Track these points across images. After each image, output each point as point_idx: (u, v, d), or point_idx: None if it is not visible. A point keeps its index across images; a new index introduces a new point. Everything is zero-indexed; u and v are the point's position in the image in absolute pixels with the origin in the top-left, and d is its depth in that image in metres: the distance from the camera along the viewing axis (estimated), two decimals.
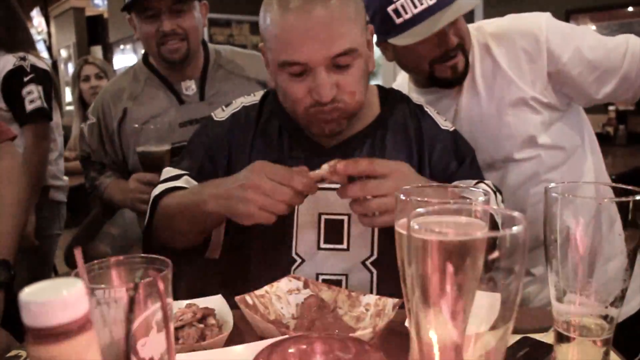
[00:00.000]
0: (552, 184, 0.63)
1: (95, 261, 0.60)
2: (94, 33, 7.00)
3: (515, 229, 0.45)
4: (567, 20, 4.18)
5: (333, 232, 1.06)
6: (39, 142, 1.98)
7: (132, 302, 0.44)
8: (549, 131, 1.29)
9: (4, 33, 1.96)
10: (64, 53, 7.54)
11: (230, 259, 1.16)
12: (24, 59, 1.95)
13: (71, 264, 2.85)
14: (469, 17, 1.64)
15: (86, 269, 0.58)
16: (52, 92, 2.08)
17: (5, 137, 1.26)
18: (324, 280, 1.05)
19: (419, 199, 0.59)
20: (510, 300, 0.48)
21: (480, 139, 1.28)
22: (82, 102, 3.13)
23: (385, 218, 0.88)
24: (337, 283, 1.06)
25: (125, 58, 5.98)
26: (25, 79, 1.93)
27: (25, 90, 1.92)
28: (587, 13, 4.43)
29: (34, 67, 1.97)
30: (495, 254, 0.45)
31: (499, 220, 0.52)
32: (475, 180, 1.06)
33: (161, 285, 0.50)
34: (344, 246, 1.07)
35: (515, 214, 0.48)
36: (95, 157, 1.72)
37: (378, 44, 1.28)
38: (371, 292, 1.05)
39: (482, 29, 1.32)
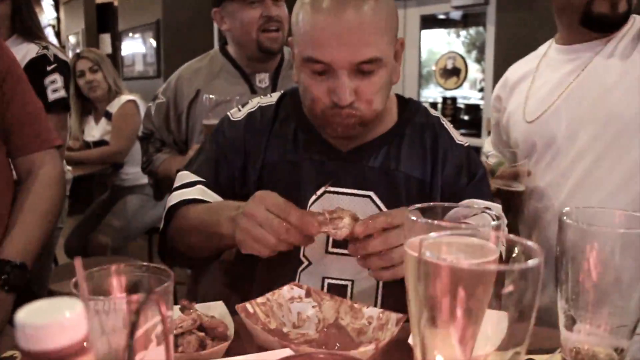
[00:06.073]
0: (567, 208, 0.61)
1: (95, 268, 0.58)
2: (103, 21, 6.96)
3: (531, 262, 0.43)
4: None
5: None
6: (60, 132, 1.97)
7: (133, 326, 0.42)
8: None
9: (18, 21, 1.95)
10: (72, 39, 7.50)
11: (238, 259, 1.16)
12: (46, 47, 1.94)
13: (71, 255, 2.84)
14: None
15: (85, 276, 0.56)
16: (69, 85, 2.09)
17: (49, 145, 1.22)
18: (329, 285, 1.04)
19: (429, 221, 0.57)
20: (523, 325, 0.47)
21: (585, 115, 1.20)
22: (80, 97, 3.13)
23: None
24: (343, 288, 1.05)
25: (134, 46, 5.94)
26: (49, 68, 1.91)
27: (48, 80, 1.90)
28: None
29: (56, 57, 1.96)
30: (510, 288, 0.43)
31: (501, 248, 0.52)
32: (483, 207, 1.04)
33: (162, 301, 0.49)
34: None
35: (531, 244, 0.46)
36: (158, 135, 1.81)
37: None
38: (376, 301, 1.05)
39: None
